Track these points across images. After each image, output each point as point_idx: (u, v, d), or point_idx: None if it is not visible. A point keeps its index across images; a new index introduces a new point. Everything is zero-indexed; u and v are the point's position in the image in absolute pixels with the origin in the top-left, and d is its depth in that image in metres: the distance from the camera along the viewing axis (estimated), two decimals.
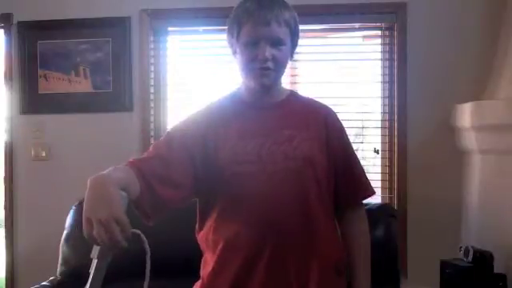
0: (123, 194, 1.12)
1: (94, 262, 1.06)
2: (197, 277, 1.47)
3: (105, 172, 1.15)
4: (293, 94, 1.53)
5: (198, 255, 1.48)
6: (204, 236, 1.42)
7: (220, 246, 1.36)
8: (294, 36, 1.41)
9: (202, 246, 1.45)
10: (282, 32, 1.35)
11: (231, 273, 1.34)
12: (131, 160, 1.30)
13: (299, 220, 1.35)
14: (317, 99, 1.57)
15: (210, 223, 1.40)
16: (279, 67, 1.38)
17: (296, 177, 1.35)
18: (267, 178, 1.34)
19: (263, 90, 1.41)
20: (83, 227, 1.05)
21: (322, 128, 1.43)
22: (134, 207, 1.25)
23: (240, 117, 1.42)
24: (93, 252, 1.06)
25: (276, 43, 1.34)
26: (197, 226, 1.46)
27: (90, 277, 1.05)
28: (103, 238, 1.02)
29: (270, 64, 1.34)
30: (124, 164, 1.28)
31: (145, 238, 1.10)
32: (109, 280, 1.08)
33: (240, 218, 1.34)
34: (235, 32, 1.37)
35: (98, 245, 1.05)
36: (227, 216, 1.36)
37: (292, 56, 1.44)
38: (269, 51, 1.33)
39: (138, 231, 1.08)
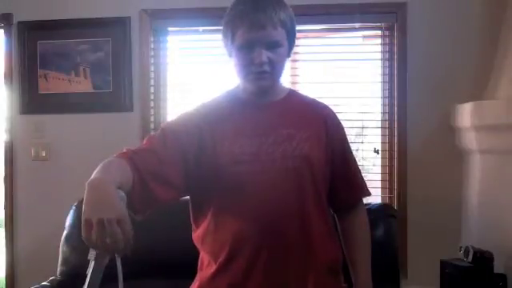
0: (121, 194, 1.11)
1: (92, 264, 1.05)
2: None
3: (100, 173, 1.13)
4: (292, 93, 1.51)
5: (198, 255, 1.47)
6: (200, 236, 1.40)
7: (217, 247, 1.35)
8: (291, 36, 1.36)
9: (199, 246, 1.43)
10: (278, 34, 1.31)
11: (229, 274, 1.33)
12: (125, 151, 1.28)
13: (297, 221, 1.33)
14: (317, 99, 1.55)
15: (206, 223, 1.38)
16: (276, 69, 1.35)
17: (294, 177, 1.34)
18: (266, 177, 1.32)
19: (262, 92, 1.39)
20: (82, 230, 1.03)
21: (322, 128, 1.42)
22: None
23: (238, 115, 1.39)
24: (90, 253, 1.05)
25: (272, 46, 1.31)
26: (193, 225, 1.44)
27: (88, 278, 1.04)
28: (103, 240, 1.00)
29: (266, 67, 1.31)
30: (117, 155, 1.26)
31: (120, 267, 1.07)
32: (107, 280, 1.08)
33: (238, 218, 1.33)
34: (229, 35, 1.34)
35: (96, 249, 1.03)
36: (224, 216, 1.34)
37: (289, 55, 1.41)
38: (265, 55, 1.29)
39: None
